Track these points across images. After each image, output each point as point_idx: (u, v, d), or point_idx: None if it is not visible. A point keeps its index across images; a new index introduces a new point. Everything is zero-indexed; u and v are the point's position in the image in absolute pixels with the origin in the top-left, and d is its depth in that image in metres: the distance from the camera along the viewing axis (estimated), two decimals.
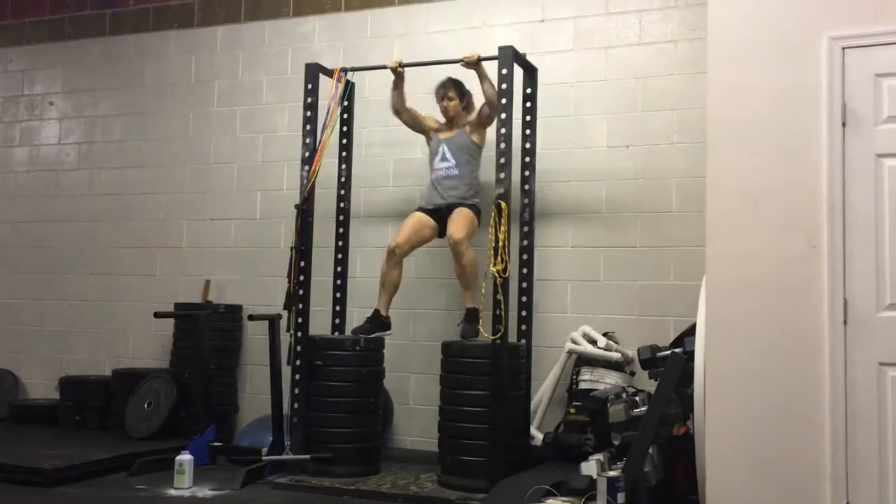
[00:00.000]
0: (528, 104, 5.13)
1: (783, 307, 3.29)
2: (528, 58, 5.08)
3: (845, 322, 3.20)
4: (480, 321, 4.75)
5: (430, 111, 5.20)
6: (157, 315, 5.52)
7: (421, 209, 5.06)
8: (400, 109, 5.13)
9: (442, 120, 5.13)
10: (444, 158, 4.99)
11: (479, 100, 5.03)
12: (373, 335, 4.92)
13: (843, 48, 3.30)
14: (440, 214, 4.97)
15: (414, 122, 5.18)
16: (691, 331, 3.90)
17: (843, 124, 3.27)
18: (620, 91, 5.27)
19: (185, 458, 4.53)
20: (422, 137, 5.25)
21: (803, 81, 3.34)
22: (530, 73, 5.13)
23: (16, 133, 6.99)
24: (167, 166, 6.41)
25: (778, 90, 3.38)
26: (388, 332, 5.02)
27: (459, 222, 4.83)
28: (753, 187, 3.37)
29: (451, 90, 5.02)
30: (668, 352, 4.08)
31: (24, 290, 6.72)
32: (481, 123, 4.97)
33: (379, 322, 4.97)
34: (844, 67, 3.29)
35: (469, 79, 5.01)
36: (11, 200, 6.88)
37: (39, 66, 6.95)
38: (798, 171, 3.32)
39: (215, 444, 5.11)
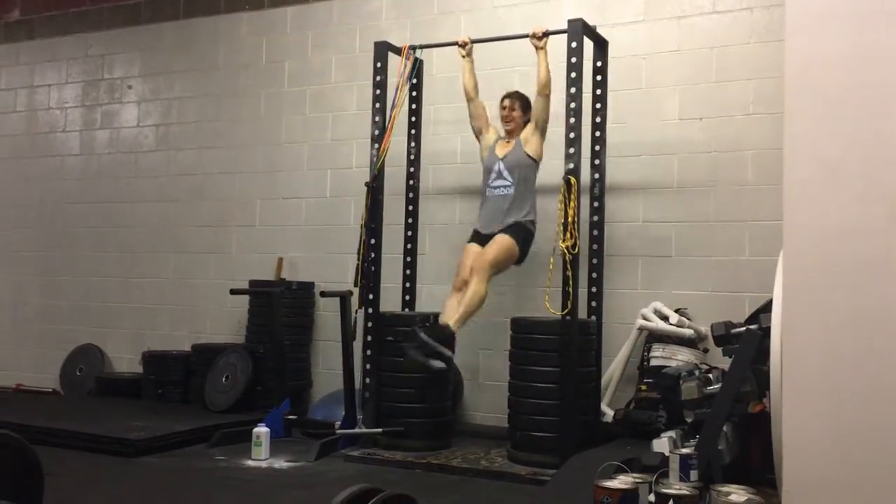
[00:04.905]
0: (599, 77, 5.04)
1: (864, 282, 3.17)
2: (598, 30, 4.99)
3: None
4: (449, 351, 4.52)
5: (497, 94, 5.06)
6: (232, 292, 5.65)
7: (476, 232, 4.89)
8: (472, 94, 5.02)
9: (502, 133, 4.99)
10: (500, 176, 4.82)
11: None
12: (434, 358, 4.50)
13: None
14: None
15: (477, 117, 5.02)
16: (767, 307, 3.80)
17: None
18: (693, 62, 5.14)
19: (262, 430, 4.66)
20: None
21: (888, 45, 3.20)
22: (600, 46, 5.04)
23: (97, 116, 7.23)
24: (240, 146, 6.54)
25: (861, 56, 3.24)
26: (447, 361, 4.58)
27: (490, 252, 4.65)
28: (833, 157, 3.25)
29: (517, 101, 4.92)
30: (743, 328, 3.99)
31: (108, 268, 6.98)
32: (535, 124, 4.79)
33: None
34: None
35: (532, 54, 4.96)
36: (94, 182, 7.13)
37: (118, 51, 7.15)
38: (881, 139, 3.18)
39: (290, 417, 5.23)
